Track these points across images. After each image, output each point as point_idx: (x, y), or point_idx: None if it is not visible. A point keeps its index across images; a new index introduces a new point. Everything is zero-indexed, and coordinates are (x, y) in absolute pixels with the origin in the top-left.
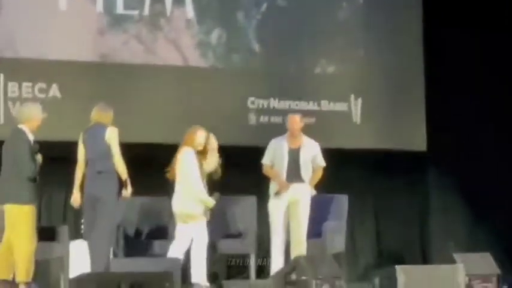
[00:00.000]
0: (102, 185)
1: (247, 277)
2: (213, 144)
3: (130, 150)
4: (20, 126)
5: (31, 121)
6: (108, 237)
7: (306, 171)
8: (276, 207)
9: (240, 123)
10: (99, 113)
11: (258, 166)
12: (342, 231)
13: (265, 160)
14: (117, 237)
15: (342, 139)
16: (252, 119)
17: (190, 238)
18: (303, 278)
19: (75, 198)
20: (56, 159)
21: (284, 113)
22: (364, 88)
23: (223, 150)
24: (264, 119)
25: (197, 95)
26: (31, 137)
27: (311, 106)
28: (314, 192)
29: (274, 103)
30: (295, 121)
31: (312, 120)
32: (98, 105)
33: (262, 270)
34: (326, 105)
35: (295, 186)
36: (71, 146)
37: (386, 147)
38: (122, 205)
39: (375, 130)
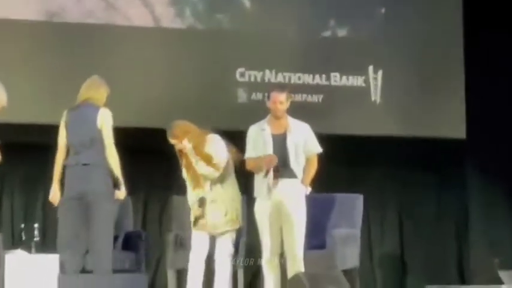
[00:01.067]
0: (91, 180)
1: None
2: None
3: None
4: None
5: None
6: (111, 245)
7: (297, 163)
8: (261, 211)
9: (227, 102)
10: (90, 89)
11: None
12: (356, 241)
13: (248, 153)
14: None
15: (357, 123)
16: (242, 96)
17: (208, 247)
18: None
19: (55, 194)
20: None
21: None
22: (385, 58)
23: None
24: (256, 96)
25: (171, 65)
26: None
27: (317, 80)
28: (309, 189)
29: (270, 76)
30: (279, 100)
31: (318, 98)
32: (90, 78)
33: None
34: (337, 79)
35: (283, 183)
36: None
37: (412, 134)
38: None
39: (399, 112)
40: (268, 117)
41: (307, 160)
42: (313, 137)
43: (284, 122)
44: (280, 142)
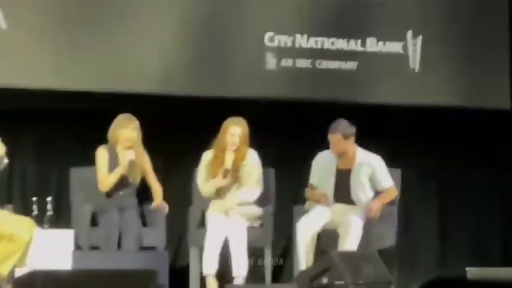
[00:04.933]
0: None
1: (261, 279)
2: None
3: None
4: None
5: None
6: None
7: (361, 197)
8: (304, 228)
9: (254, 68)
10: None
11: (278, 127)
12: (393, 219)
13: (311, 180)
14: (80, 221)
15: (394, 92)
16: (271, 62)
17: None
18: (338, 283)
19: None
20: None
21: (315, 54)
22: (426, 22)
23: (229, 106)
24: (287, 62)
25: (195, 27)
26: None
27: (352, 46)
28: (363, 218)
29: (301, 41)
30: (336, 141)
31: (353, 65)
32: None
33: (280, 271)
34: (373, 45)
35: (339, 207)
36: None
37: (453, 103)
38: None
39: (439, 80)
40: None
41: (381, 193)
42: (383, 171)
43: (350, 157)
44: (343, 178)
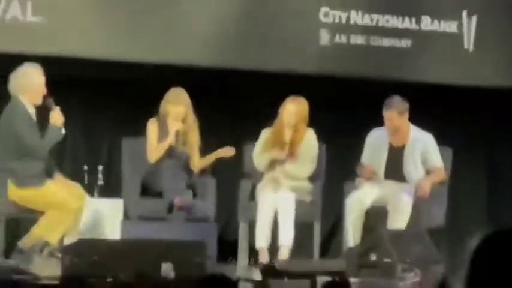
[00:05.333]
0: None
1: (309, 254)
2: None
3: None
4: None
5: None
6: None
7: (412, 174)
8: (352, 205)
9: (308, 44)
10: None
11: (330, 103)
12: (443, 199)
13: (363, 158)
14: (129, 191)
15: (448, 71)
16: (325, 37)
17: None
18: (386, 260)
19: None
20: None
21: (369, 31)
22: (481, 2)
23: (283, 81)
24: (341, 38)
25: (248, 1)
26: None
27: (407, 24)
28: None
29: (356, 17)
30: (389, 117)
31: (407, 43)
32: None
33: (328, 247)
34: (428, 24)
35: (389, 184)
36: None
37: (508, 84)
38: None
39: (494, 61)
40: None
41: (430, 172)
42: (435, 150)
43: (404, 134)
44: (396, 155)
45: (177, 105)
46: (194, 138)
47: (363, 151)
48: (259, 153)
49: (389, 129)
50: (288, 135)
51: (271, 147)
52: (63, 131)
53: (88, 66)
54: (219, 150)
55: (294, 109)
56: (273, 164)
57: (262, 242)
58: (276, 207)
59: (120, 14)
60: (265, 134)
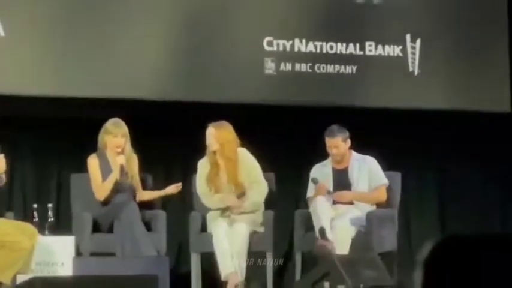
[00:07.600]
0: None
1: (263, 281)
2: None
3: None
4: None
5: None
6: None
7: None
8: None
9: (253, 73)
10: None
11: (276, 132)
12: (394, 222)
13: (309, 193)
14: (80, 227)
15: (393, 96)
16: (270, 66)
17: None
18: (339, 286)
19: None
20: None
21: (313, 58)
22: (424, 26)
23: (230, 111)
24: (286, 66)
25: (190, 32)
26: None
27: (351, 50)
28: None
29: (300, 45)
30: (333, 144)
31: (352, 69)
32: None
33: (282, 273)
34: (372, 49)
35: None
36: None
37: (452, 107)
38: None
39: (439, 84)
40: (330, 159)
41: (374, 192)
42: (378, 169)
43: (347, 159)
44: (341, 176)
45: (115, 136)
46: (135, 169)
47: (309, 186)
48: (207, 194)
49: (335, 157)
50: (222, 164)
51: (216, 185)
52: (4, 180)
53: (35, 103)
54: (167, 188)
55: (214, 133)
56: (225, 207)
57: (226, 271)
58: (230, 239)
59: (65, 50)
60: (201, 166)
